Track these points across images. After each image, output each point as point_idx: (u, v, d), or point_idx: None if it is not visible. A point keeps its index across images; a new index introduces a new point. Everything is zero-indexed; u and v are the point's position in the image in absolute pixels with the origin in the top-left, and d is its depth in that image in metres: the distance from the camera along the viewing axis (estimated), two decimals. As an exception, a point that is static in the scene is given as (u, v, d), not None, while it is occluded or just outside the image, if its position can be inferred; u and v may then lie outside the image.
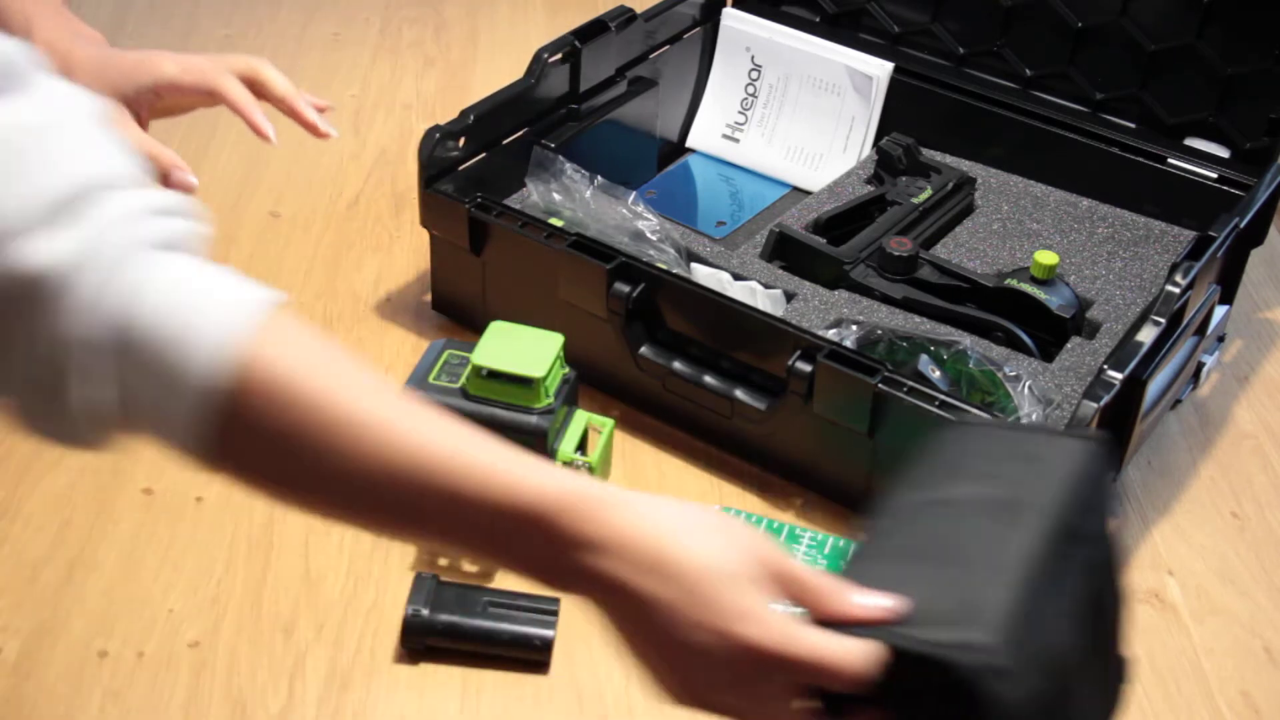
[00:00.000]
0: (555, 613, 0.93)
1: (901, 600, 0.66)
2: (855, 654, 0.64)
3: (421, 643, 0.93)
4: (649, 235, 1.19)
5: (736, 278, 1.16)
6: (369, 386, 0.65)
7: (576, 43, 1.25)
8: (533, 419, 0.96)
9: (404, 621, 0.92)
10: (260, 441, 0.65)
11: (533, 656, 0.93)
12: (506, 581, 0.96)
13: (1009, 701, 0.62)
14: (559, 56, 1.24)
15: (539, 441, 0.96)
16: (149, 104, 1.00)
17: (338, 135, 1.04)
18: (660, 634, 0.65)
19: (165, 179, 0.97)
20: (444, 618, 0.92)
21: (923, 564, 0.68)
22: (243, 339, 0.62)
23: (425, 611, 0.92)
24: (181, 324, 0.61)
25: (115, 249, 0.60)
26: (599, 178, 1.22)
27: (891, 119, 1.35)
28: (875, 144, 1.35)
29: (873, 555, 0.71)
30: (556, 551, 0.64)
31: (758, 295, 1.14)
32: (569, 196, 1.21)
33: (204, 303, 0.62)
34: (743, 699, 0.66)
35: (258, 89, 1.01)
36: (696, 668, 0.65)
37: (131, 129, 0.99)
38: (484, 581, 0.98)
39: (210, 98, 1.00)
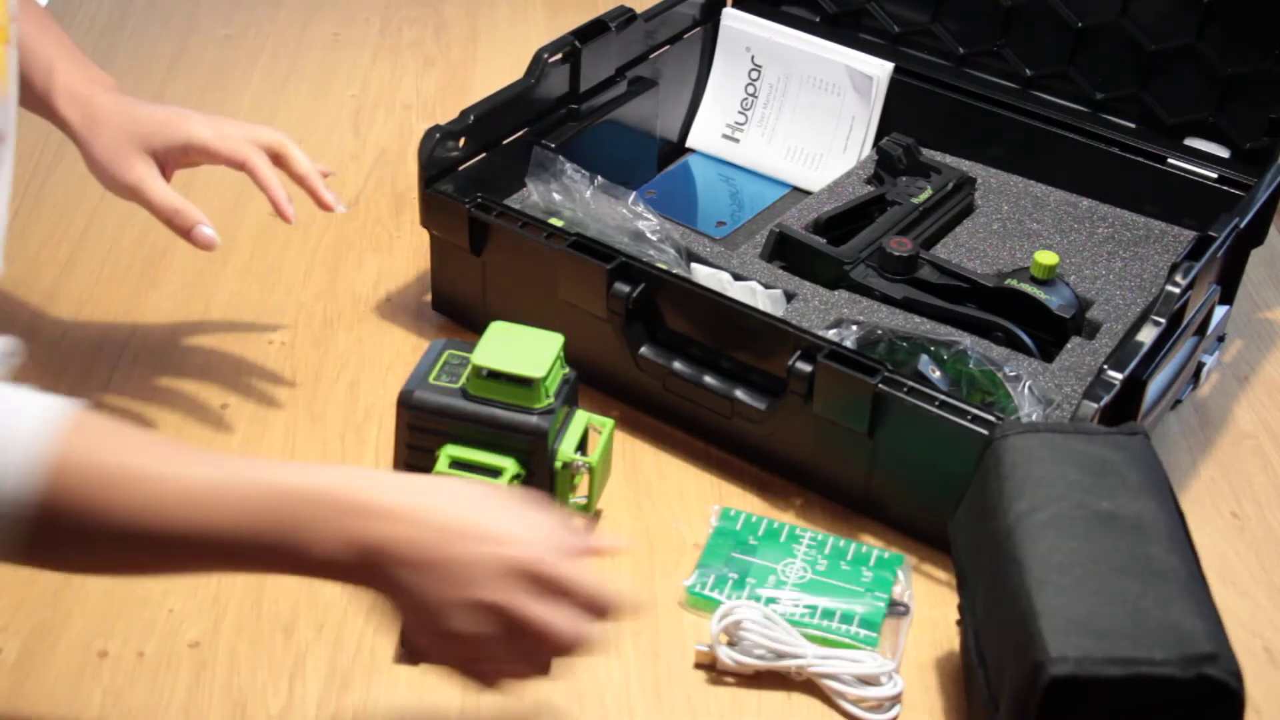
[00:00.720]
0: None
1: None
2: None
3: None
4: (649, 235, 1.19)
5: (736, 278, 1.16)
6: (163, 452, 0.74)
7: (576, 43, 1.25)
8: (533, 419, 0.96)
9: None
10: (73, 533, 0.72)
11: None
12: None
13: (1240, 692, 0.75)
14: (559, 56, 1.24)
15: (539, 441, 0.96)
16: (176, 161, 1.06)
17: (346, 210, 1.11)
18: (433, 588, 0.75)
19: (187, 234, 1.04)
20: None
21: (1093, 590, 0.79)
22: (47, 450, 0.70)
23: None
24: None
25: None
26: (599, 178, 1.22)
27: (891, 119, 1.35)
28: (875, 144, 1.35)
29: (1041, 583, 0.80)
30: (347, 521, 0.74)
31: (758, 295, 1.14)
32: (569, 196, 1.21)
33: (7, 421, 0.70)
34: (507, 649, 0.77)
35: (280, 163, 1.08)
36: (437, 628, 0.76)
37: (159, 183, 1.04)
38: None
39: (237, 167, 1.07)
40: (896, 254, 1.15)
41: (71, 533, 0.72)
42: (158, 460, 0.74)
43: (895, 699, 0.90)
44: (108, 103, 1.04)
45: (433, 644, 0.78)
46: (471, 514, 0.77)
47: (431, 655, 0.80)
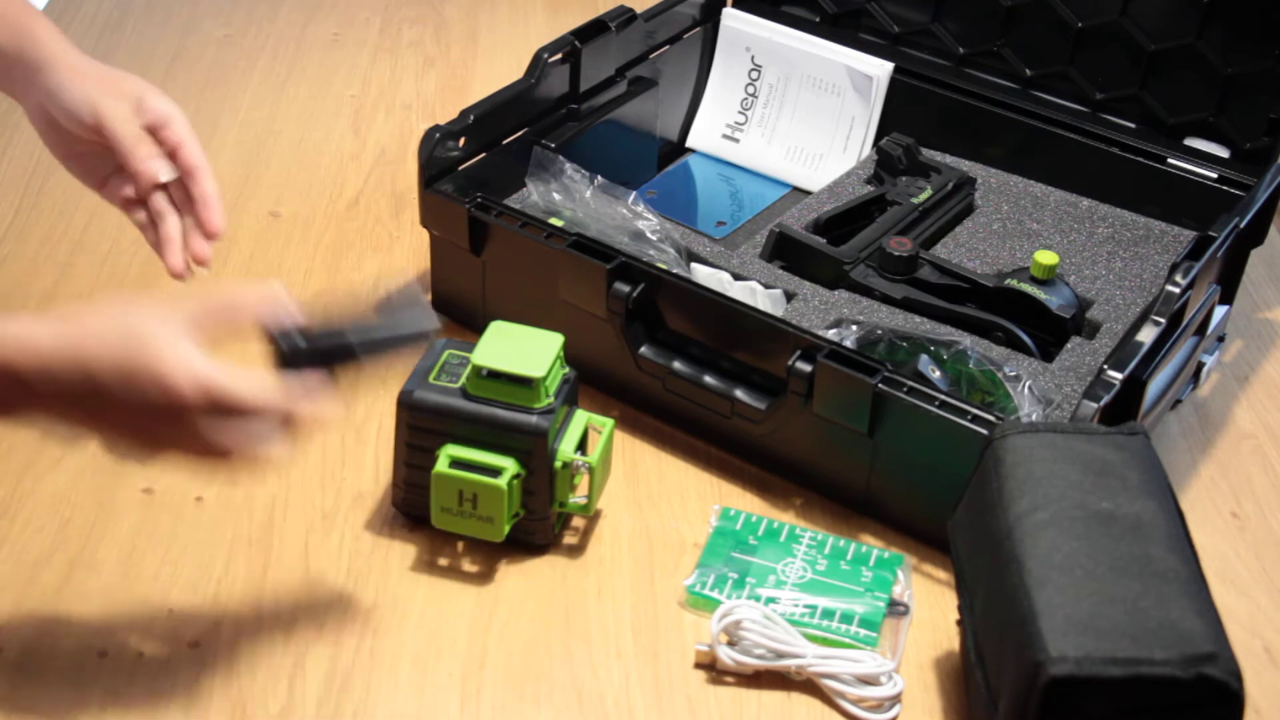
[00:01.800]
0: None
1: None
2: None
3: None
4: (649, 235, 1.19)
5: (736, 278, 1.16)
6: None
7: (576, 43, 1.25)
8: (533, 419, 0.96)
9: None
10: None
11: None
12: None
13: (1240, 692, 0.75)
14: (559, 56, 1.24)
15: (539, 441, 0.96)
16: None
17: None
18: (106, 407, 0.80)
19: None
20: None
21: (1094, 590, 0.79)
22: None
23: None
24: None
25: None
26: (599, 178, 1.22)
27: (891, 119, 1.35)
28: (875, 144, 1.35)
29: (1041, 583, 0.80)
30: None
31: (758, 295, 1.14)
32: (569, 196, 1.21)
33: None
34: (186, 437, 0.81)
35: (160, 136, 1.00)
36: (144, 424, 0.81)
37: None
38: (483, 582, 0.99)
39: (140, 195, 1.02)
40: (896, 254, 1.15)
41: None
42: None
43: (895, 699, 0.90)
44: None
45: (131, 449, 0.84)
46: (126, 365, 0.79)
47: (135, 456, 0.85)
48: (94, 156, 1.01)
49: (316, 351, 0.87)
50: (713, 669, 0.93)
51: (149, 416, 0.80)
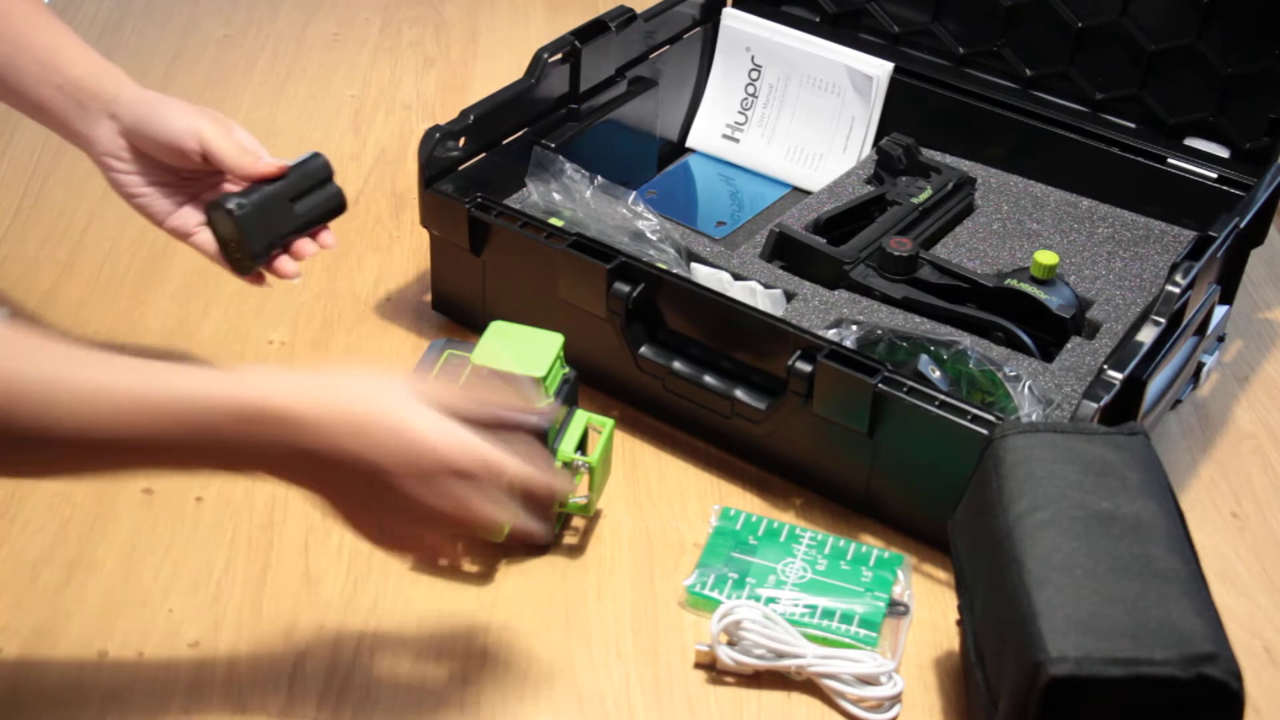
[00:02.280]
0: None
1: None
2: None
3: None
4: (649, 235, 1.19)
5: (736, 278, 1.16)
6: (79, 360, 0.76)
7: (576, 43, 1.25)
8: (533, 419, 0.96)
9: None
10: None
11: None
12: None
13: (1240, 692, 0.75)
14: (559, 56, 1.24)
15: (539, 442, 0.96)
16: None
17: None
18: (364, 486, 0.79)
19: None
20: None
21: (1094, 590, 0.79)
22: None
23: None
24: None
25: None
26: (599, 178, 1.22)
27: (891, 119, 1.35)
28: (875, 144, 1.35)
29: (1041, 583, 0.80)
30: (275, 433, 0.77)
31: (758, 295, 1.14)
32: (569, 196, 1.21)
33: None
34: (436, 518, 0.81)
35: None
36: (398, 503, 0.80)
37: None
38: (483, 582, 0.99)
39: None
40: (896, 254, 1.15)
41: None
42: (75, 369, 0.75)
43: (895, 699, 0.90)
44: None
45: (366, 530, 0.84)
46: (397, 419, 0.80)
47: (367, 538, 0.84)
48: (168, 187, 1.03)
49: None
50: (713, 669, 0.93)
51: (393, 477, 0.80)
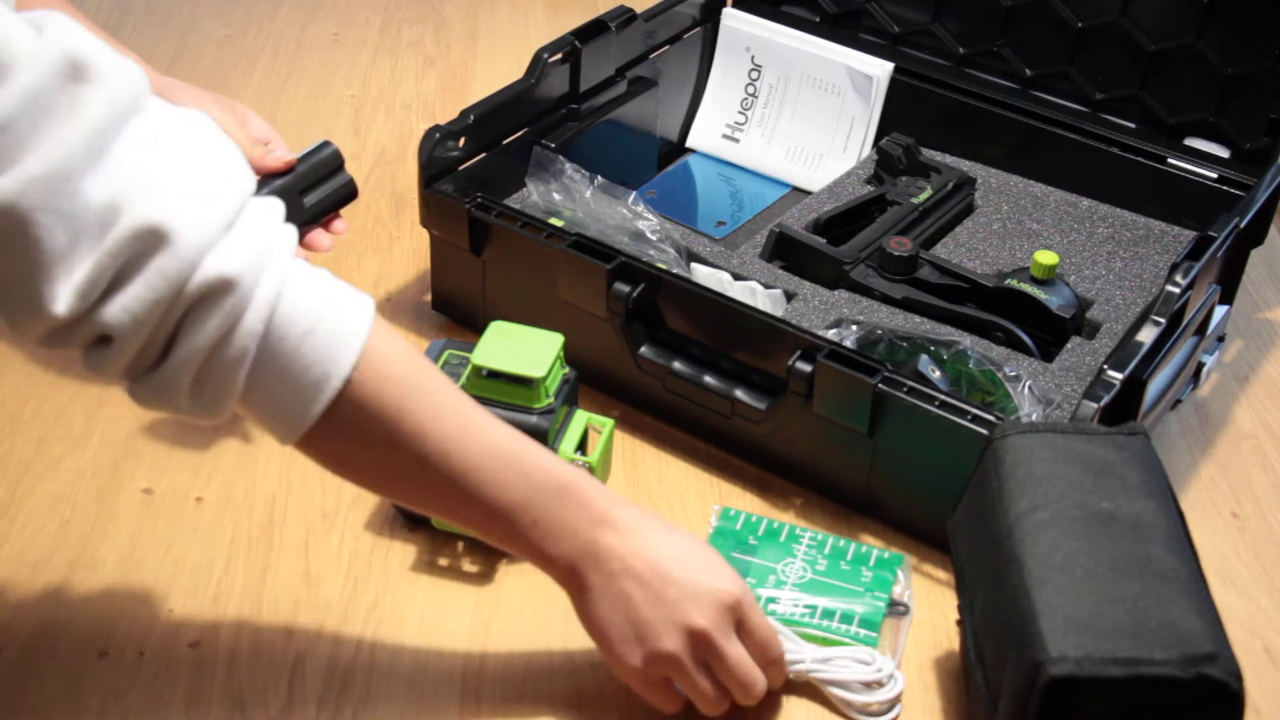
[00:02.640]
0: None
1: None
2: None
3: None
4: (649, 235, 1.19)
5: (736, 278, 1.16)
6: (447, 402, 0.81)
7: (576, 43, 1.25)
8: (533, 419, 0.96)
9: None
10: (353, 432, 0.78)
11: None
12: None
13: (1240, 692, 0.75)
14: (559, 56, 1.24)
15: (539, 441, 0.96)
16: None
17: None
18: (625, 609, 0.83)
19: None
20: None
21: (1094, 590, 0.79)
22: (363, 338, 0.78)
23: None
24: (315, 318, 0.76)
25: (272, 256, 0.75)
26: (599, 178, 1.22)
27: (891, 119, 1.35)
28: (875, 144, 1.35)
29: (1041, 583, 0.80)
30: (581, 516, 0.82)
31: (758, 295, 1.14)
32: (569, 196, 1.21)
33: (330, 301, 0.78)
34: (696, 676, 0.85)
35: None
36: (647, 643, 0.83)
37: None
38: (483, 582, 0.99)
39: None
40: (896, 254, 1.15)
41: (361, 424, 0.78)
42: (447, 392, 0.81)
43: (895, 700, 0.90)
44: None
45: (629, 655, 0.85)
46: (683, 548, 0.85)
47: (626, 670, 0.86)
48: None
49: None
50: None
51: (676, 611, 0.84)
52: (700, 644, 0.84)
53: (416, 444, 0.79)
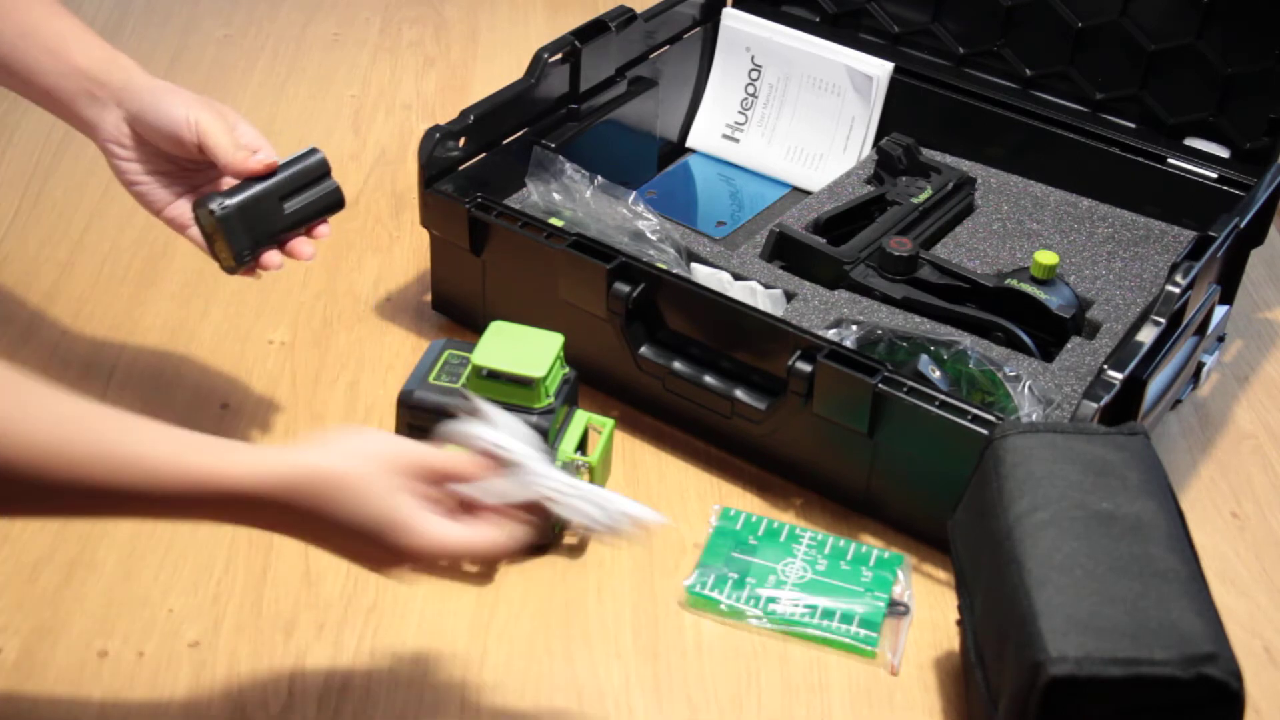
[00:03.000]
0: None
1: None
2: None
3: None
4: (649, 235, 1.19)
5: (736, 278, 1.16)
6: (57, 411, 0.74)
7: (576, 43, 1.25)
8: (533, 419, 0.96)
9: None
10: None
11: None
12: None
13: (1240, 692, 0.75)
14: (559, 56, 1.24)
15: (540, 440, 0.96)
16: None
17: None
18: (339, 538, 0.79)
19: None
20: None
21: (1094, 590, 0.79)
22: None
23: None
24: None
25: None
26: (599, 178, 1.22)
27: (891, 119, 1.35)
28: (875, 144, 1.35)
29: (1041, 583, 0.80)
30: (284, 516, 0.78)
31: (758, 295, 1.14)
32: (569, 196, 1.21)
33: None
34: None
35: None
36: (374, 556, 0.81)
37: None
38: (483, 582, 0.99)
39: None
40: (896, 254, 1.15)
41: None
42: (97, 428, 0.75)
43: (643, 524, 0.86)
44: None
45: (369, 565, 0.83)
46: (386, 520, 0.79)
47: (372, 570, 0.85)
48: (168, 177, 1.03)
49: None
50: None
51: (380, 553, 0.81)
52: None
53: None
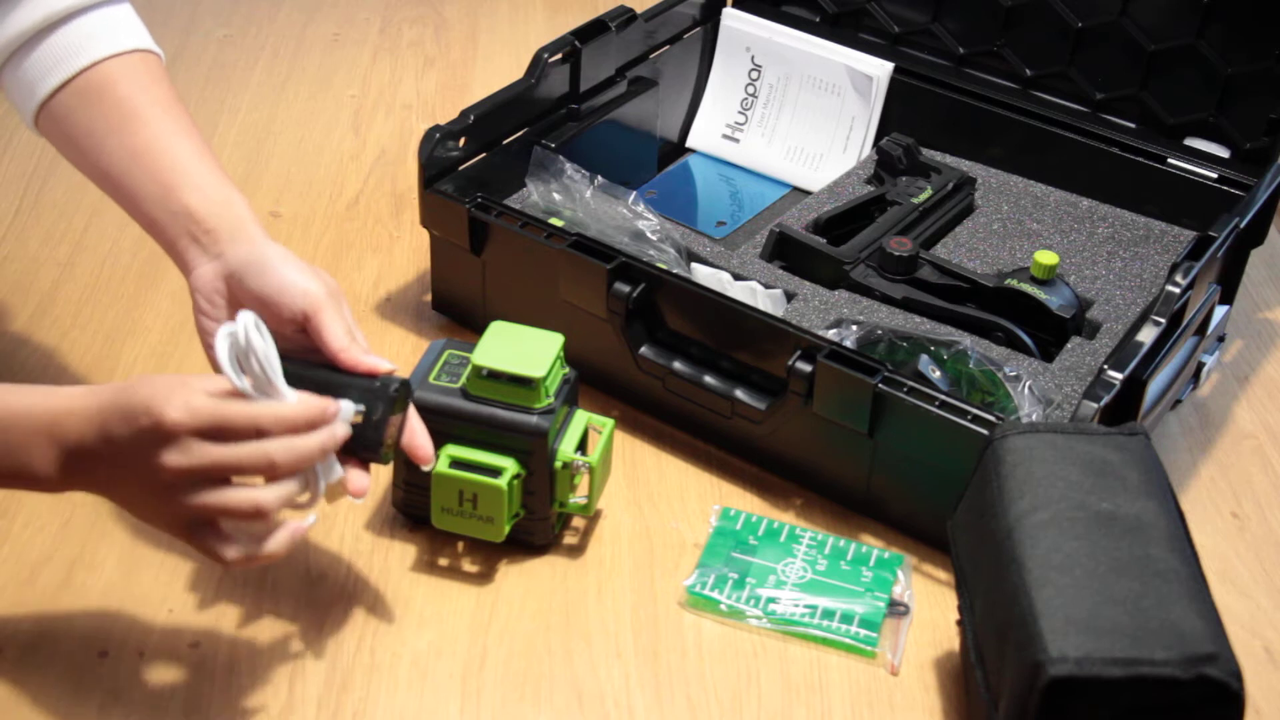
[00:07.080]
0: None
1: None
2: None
3: None
4: (649, 235, 1.19)
5: (736, 278, 1.16)
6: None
7: (576, 43, 1.25)
8: (533, 419, 0.96)
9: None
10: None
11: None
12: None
13: (1240, 692, 0.75)
14: (559, 56, 1.24)
15: (539, 441, 0.96)
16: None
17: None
18: (134, 482, 0.81)
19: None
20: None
21: (1094, 590, 0.79)
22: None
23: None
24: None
25: None
26: (599, 178, 1.22)
27: (891, 119, 1.35)
28: (875, 144, 1.35)
29: (1041, 583, 0.80)
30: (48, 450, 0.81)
31: (758, 295, 1.14)
32: (569, 196, 1.21)
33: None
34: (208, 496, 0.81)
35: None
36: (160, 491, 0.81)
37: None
38: (483, 582, 0.99)
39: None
40: (896, 254, 1.15)
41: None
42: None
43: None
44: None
45: (146, 514, 0.85)
46: (139, 397, 0.80)
47: (151, 522, 0.86)
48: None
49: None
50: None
51: (149, 458, 0.80)
52: (185, 473, 0.80)
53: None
